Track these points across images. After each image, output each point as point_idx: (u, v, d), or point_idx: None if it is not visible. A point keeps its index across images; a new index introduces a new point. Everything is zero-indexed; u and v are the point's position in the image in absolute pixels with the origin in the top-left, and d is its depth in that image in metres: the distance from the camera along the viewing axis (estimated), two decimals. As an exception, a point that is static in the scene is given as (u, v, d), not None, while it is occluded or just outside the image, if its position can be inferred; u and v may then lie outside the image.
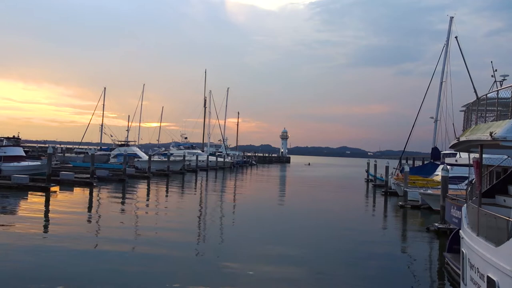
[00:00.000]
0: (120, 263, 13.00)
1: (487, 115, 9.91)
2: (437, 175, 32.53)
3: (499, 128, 7.70)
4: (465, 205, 11.03)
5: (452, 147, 12.96)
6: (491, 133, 7.64)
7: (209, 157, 75.31)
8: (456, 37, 38.44)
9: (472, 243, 8.59)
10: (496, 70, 27.80)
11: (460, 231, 10.51)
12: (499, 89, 8.99)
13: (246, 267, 13.00)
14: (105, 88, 78.39)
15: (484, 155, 10.39)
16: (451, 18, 42.48)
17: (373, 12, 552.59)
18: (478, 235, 8.36)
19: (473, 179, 13.28)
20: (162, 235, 17.68)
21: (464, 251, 9.50)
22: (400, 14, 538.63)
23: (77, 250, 14.15)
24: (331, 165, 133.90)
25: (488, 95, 9.74)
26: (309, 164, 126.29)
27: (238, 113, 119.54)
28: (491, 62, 28.70)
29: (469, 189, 12.48)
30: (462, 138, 10.22)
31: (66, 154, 70.59)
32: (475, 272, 8.23)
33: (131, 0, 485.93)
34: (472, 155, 14.29)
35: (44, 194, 29.13)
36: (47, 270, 11.97)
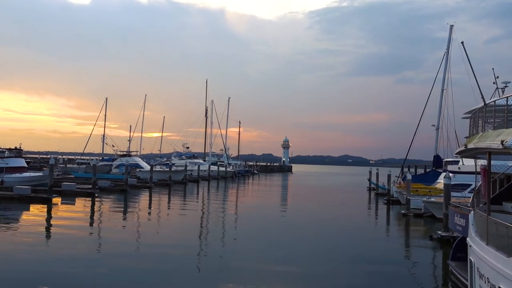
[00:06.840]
0: (120, 275, 12.88)
1: (492, 121, 9.81)
2: (440, 182, 32.38)
3: (510, 136, 7.60)
4: (472, 212, 10.90)
5: (458, 153, 12.87)
6: (502, 141, 7.54)
7: (211, 166, 75.03)
8: (462, 43, 38.10)
9: (481, 252, 8.46)
10: (497, 77, 27.73)
11: (468, 239, 10.37)
12: (509, 96, 8.91)
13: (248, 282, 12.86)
14: (106, 98, 78.57)
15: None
16: (451, 26, 42.46)
17: (372, 21, 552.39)
18: (487, 244, 8.23)
19: (477, 186, 13.16)
20: (164, 248, 17.54)
21: (472, 260, 9.37)
22: (400, 22, 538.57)
23: (78, 262, 14.00)
24: (333, 174, 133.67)
25: (496, 101, 9.65)
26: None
27: (240, 122, 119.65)
28: (493, 69, 28.64)
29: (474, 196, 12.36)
30: (470, 145, 10.10)
31: (68, 165, 70.42)
32: (485, 282, 8.10)
33: (132, 11, 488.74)
34: (479, 162, 14.19)
35: (46, 205, 29.04)
36: (48, 281, 11.83)
